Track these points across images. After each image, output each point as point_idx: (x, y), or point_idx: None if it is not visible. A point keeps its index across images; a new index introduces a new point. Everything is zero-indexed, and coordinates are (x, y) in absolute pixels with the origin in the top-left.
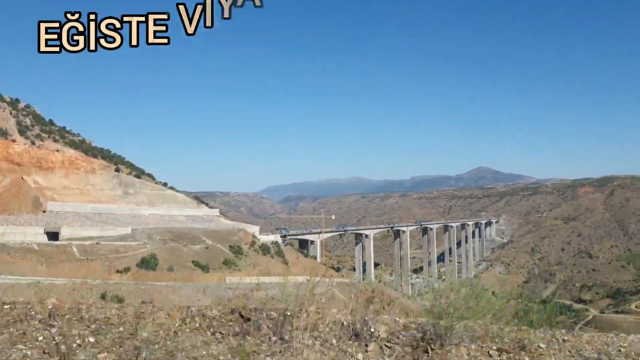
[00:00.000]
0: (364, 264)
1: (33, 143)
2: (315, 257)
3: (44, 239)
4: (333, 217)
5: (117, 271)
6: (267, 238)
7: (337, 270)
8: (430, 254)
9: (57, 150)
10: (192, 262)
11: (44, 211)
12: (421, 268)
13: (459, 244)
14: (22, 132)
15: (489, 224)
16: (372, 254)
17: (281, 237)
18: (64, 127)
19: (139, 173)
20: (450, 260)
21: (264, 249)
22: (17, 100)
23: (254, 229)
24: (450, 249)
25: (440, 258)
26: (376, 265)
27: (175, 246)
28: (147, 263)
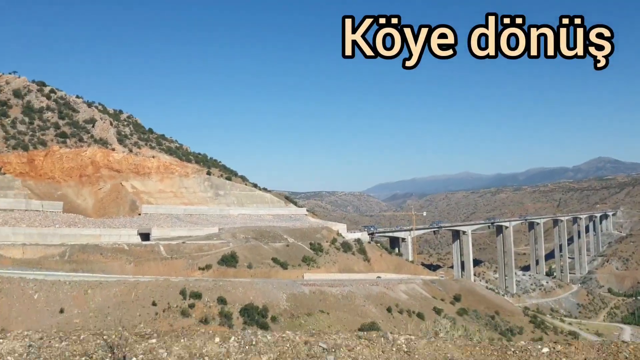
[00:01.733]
0: (463, 262)
1: (131, 151)
2: (401, 255)
3: (137, 239)
4: (424, 213)
5: (199, 268)
6: (352, 235)
7: (434, 268)
8: (537, 249)
9: (153, 157)
10: (272, 259)
11: (140, 214)
12: (530, 265)
13: (570, 239)
14: (120, 141)
15: (605, 216)
16: (470, 251)
17: (369, 234)
18: (162, 135)
19: (230, 175)
20: (561, 256)
21: (345, 246)
22: (120, 112)
23: (339, 227)
24: (560, 245)
25: (551, 254)
26: (479, 262)
27: (256, 244)
28: (228, 260)
